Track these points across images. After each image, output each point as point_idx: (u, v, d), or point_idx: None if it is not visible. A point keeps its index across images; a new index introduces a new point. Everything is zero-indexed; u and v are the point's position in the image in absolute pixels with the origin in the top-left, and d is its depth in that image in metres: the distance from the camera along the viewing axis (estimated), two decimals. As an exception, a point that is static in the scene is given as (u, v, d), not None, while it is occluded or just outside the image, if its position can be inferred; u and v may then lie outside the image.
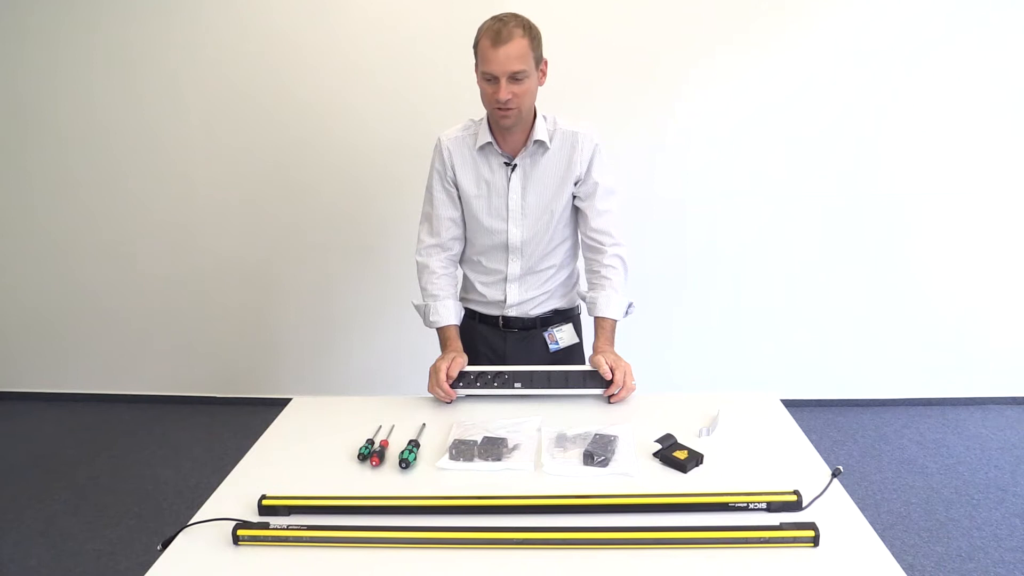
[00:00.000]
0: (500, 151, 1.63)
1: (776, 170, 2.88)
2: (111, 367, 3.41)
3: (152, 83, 2.95)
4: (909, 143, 2.83)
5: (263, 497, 1.17)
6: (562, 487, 1.20)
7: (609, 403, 1.52)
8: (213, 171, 3.06)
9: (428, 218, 1.72)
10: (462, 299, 1.82)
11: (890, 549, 1.03)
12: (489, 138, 1.61)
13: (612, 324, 1.65)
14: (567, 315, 1.80)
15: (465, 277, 1.82)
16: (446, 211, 1.69)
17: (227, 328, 3.30)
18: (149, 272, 3.23)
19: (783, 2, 2.70)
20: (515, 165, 1.63)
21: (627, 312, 1.69)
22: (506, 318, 1.75)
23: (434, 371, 1.55)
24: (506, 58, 1.44)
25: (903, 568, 0.98)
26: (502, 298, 1.73)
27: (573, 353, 1.78)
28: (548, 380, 1.56)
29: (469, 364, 1.63)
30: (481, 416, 1.49)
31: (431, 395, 1.59)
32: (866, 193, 2.89)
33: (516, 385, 1.55)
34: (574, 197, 1.67)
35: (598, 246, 1.67)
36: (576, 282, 1.84)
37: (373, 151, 2.95)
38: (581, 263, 1.81)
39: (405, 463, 1.28)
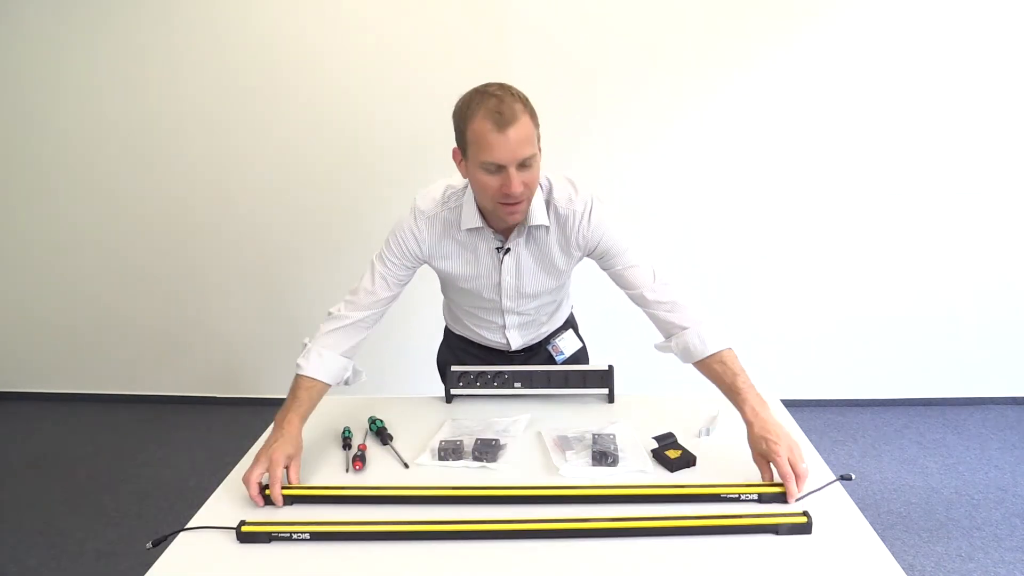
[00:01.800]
0: (491, 234, 1.40)
1: (777, 170, 2.88)
2: (112, 367, 3.41)
3: (152, 83, 2.94)
4: (909, 143, 2.82)
5: (264, 487, 1.18)
6: (575, 488, 1.20)
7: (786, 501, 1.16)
8: (213, 171, 3.05)
9: (361, 289, 1.42)
10: (458, 333, 1.70)
11: (890, 549, 1.04)
12: (478, 223, 1.36)
13: (733, 359, 1.34)
14: (566, 323, 1.72)
15: (459, 318, 1.66)
16: (383, 291, 1.42)
17: (227, 328, 3.30)
18: (149, 272, 3.23)
19: (787, 3, 2.70)
20: (508, 249, 1.42)
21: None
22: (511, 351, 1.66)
23: (254, 463, 1.20)
24: (516, 142, 1.18)
25: (903, 568, 0.98)
26: (505, 342, 1.62)
27: (579, 359, 1.71)
28: (548, 380, 1.56)
29: (469, 365, 1.62)
30: (477, 415, 1.49)
31: (429, 395, 1.60)
32: (866, 193, 2.89)
33: (516, 385, 1.55)
34: (599, 264, 1.46)
35: (647, 299, 1.41)
36: (569, 294, 1.71)
37: (373, 151, 2.95)
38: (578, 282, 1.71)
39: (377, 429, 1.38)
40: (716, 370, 1.33)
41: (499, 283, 1.47)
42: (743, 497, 1.14)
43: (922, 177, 2.86)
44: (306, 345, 1.39)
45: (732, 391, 1.29)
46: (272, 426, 1.31)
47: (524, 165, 1.22)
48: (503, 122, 1.17)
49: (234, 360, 3.35)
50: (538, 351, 1.68)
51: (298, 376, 1.36)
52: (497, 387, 1.55)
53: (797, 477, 1.14)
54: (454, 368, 1.59)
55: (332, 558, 1.05)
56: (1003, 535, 2.25)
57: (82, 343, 3.38)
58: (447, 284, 1.56)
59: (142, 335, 3.33)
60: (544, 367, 1.61)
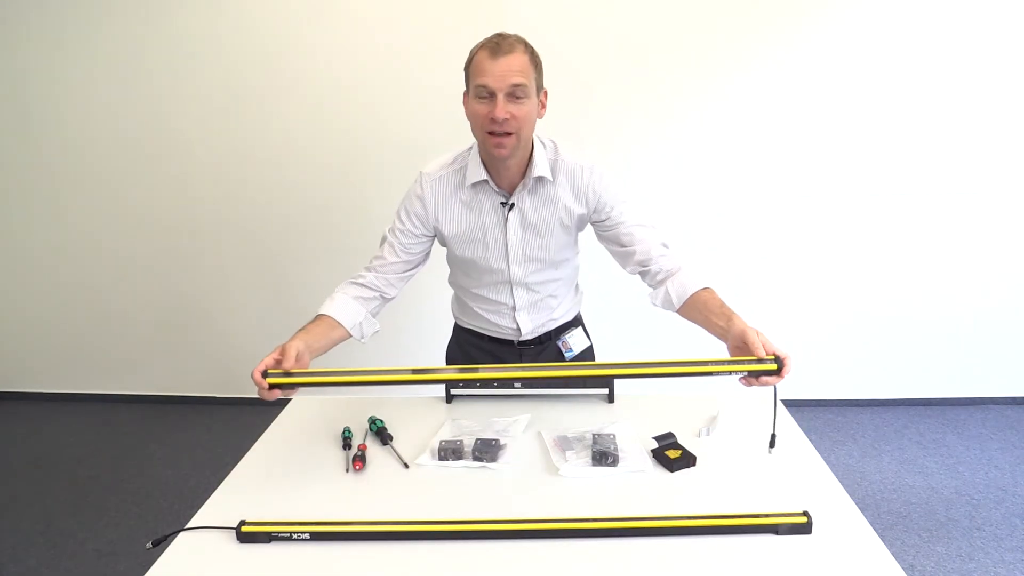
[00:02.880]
0: (495, 188, 1.44)
1: (777, 170, 2.88)
2: (111, 367, 3.41)
3: (150, 84, 2.94)
4: (909, 144, 2.82)
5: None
6: (575, 488, 1.21)
7: (746, 383, 1.21)
8: (213, 171, 3.05)
9: (374, 257, 1.51)
10: (467, 325, 1.70)
11: (890, 549, 1.03)
12: (483, 175, 1.41)
13: (715, 294, 1.38)
14: (575, 320, 1.73)
15: (468, 306, 1.66)
16: (391, 256, 1.48)
17: (227, 328, 3.30)
18: (149, 272, 3.23)
19: (787, 4, 2.70)
20: (512, 204, 1.44)
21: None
22: (521, 341, 1.65)
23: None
24: (506, 70, 1.27)
25: (903, 568, 0.98)
26: (515, 326, 1.61)
27: (586, 358, 1.71)
28: (548, 380, 1.56)
29: (476, 363, 1.61)
30: (477, 415, 1.49)
31: (429, 395, 1.60)
32: (866, 193, 2.89)
33: (516, 385, 1.55)
34: (599, 233, 1.52)
35: (652, 255, 1.45)
36: (579, 289, 1.74)
37: (373, 152, 2.95)
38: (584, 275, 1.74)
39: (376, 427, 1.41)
40: (703, 296, 1.38)
41: (505, 245, 1.48)
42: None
43: (921, 177, 2.86)
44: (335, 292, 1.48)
45: (724, 309, 1.33)
46: None
47: (514, 97, 1.29)
48: (498, 51, 1.27)
49: (234, 360, 3.34)
50: (547, 345, 1.67)
51: (320, 315, 1.44)
52: (497, 387, 1.55)
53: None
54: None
55: (332, 558, 1.05)
56: (1003, 535, 2.25)
57: (82, 343, 3.38)
58: (454, 257, 1.56)
59: (142, 335, 3.33)
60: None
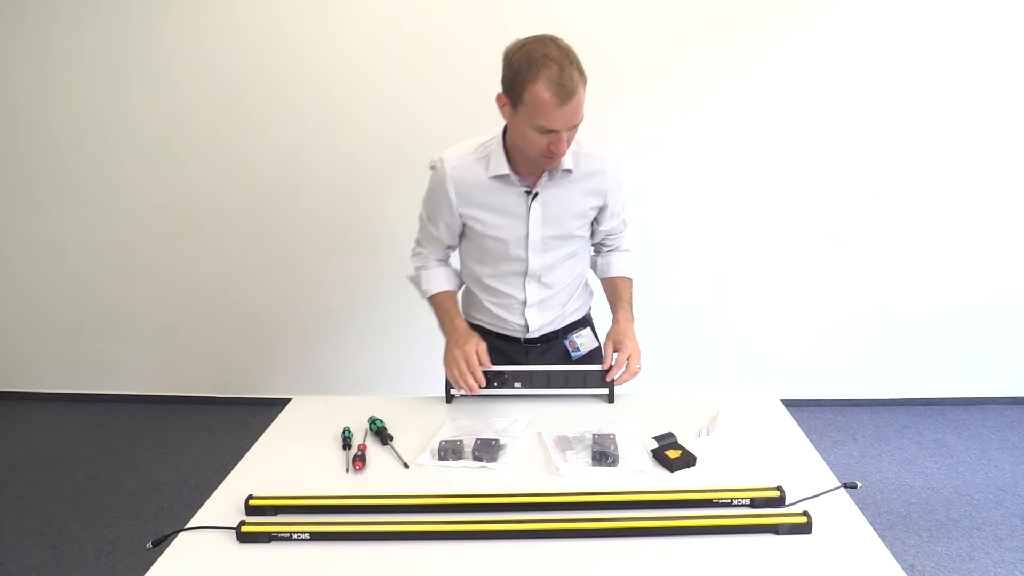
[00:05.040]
0: (519, 180, 1.47)
1: (778, 170, 2.88)
2: (111, 367, 3.41)
3: (152, 82, 2.94)
4: (910, 144, 2.82)
5: (250, 497, 1.16)
6: (573, 488, 1.20)
7: (605, 383, 1.50)
8: (212, 171, 3.05)
9: (424, 238, 1.64)
10: (475, 321, 1.71)
11: (890, 549, 1.04)
12: (506, 169, 1.43)
13: (629, 287, 1.64)
14: (584, 320, 1.74)
15: (477, 298, 1.68)
16: (447, 238, 1.60)
17: (227, 328, 3.30)
18: (149, 272, 3.23)
19: (793, 4, 2.70)
20: (536, 194, 1.48)
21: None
22: (528, 339, 1.67)
23: (455, 359, 1.46)
24: (573, 111, 1.28)
25: (903, 568, 0.98)
26: (523, 323, 1.63)
27: (594, 358, 1.69)
28: (548, 380, 1.56)
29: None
30: (477, 415, 1.49)
31: (429, 395, 1.59)
32: (866, 193, 2.89)
33: (516, 385, 1.55)
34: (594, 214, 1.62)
35: (609, 239, 1.70)
36: (589, 287, 1.77)
37: (370, 151, 2.95)
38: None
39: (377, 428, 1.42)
40: (616, 283, 1.65)
41: (527, 235, 1.52)
42: (735, 502, 1.13)
43: (922, 177, 2.86)
44: (416, 274, 1.66)
45: (619, 299, 1.62)
46: (445, 332, 1.57)
47: (574, 127, 1.33)
48: (565, 95, 1.26)
49: (234, 360, 3.35)
50: (554, 344, 1.68)
51: (434, 296, 1.62)
52: (497, 387, 1.55)
53: (628, 372, 1.48)
54: (455, 368, 1.60)
55: (332, 558, 1.05)
56: (1003, 535, 2.25)
57: (82, 343, 3.38)
58: (473, 245, 1.60)
59: (142, 335, 3.33)
60: (544, 367, 1.61)
